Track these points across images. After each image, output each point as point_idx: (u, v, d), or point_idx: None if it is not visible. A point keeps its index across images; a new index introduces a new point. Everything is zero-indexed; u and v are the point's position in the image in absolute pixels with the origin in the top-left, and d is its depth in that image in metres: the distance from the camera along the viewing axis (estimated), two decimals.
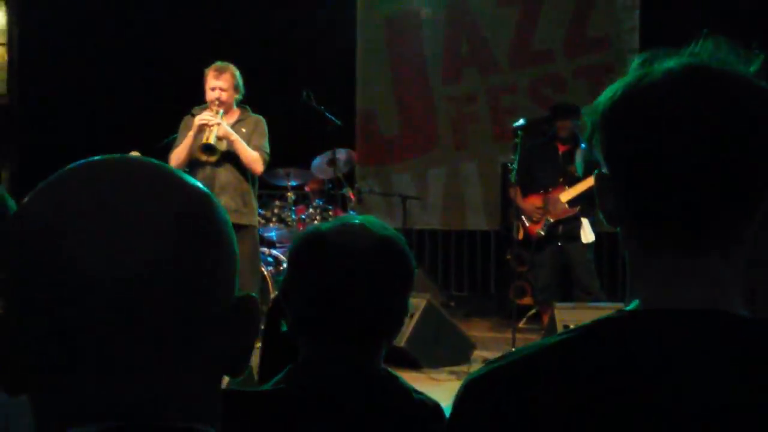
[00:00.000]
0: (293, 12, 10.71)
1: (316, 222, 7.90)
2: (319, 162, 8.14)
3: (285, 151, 7.00)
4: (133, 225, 0.81)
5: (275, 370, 1.63)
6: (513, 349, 1.09)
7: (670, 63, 1.07)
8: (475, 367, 6.63)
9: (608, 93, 1.09)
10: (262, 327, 2.07)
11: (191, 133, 6.12)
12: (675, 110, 1.01)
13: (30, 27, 11.78)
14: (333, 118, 7.34)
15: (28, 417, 0.84)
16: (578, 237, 7.09)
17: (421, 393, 1.64)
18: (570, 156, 7.19)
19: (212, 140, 6.06)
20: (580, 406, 0.97)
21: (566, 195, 7.07)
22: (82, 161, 0.88)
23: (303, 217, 7.87)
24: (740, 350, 0.98)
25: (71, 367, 0.81)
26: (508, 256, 8.71)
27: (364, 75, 10.94)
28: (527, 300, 8.63)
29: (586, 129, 1.12)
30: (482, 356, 6.94)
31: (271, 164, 6.74)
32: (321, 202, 8.10)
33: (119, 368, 0.81)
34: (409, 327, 6.56)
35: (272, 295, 6.86)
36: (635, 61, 1.11)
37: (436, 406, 1.62)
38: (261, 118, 6.36)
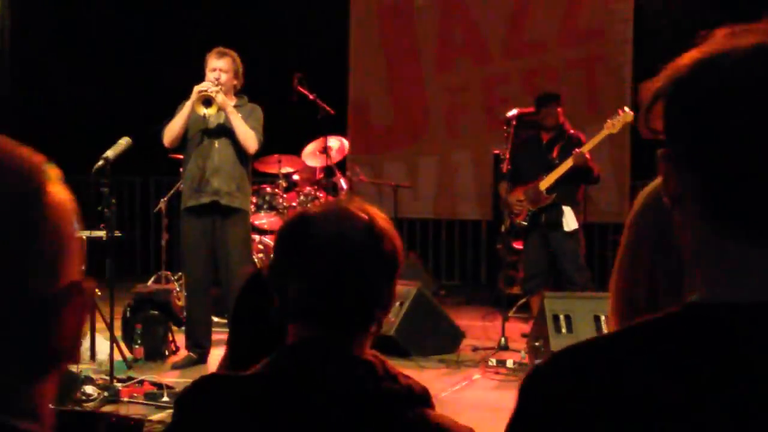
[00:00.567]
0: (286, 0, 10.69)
1: None
2: (310, 150, 8.13)
3: (276, 139, 6.99)
4: None
5: (255, 352, 1.63)
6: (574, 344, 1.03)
7: (754, 39, 0.98)
8: (464, 355, 6.66)
9: (679, 67, 1.01)
10: (233, 310, 2.07)
11: (188, 103, 6.11)
12: (761, 88, 0.94)
13: (23, 18, 11.71)
14: (325, 106, 7.33)
15: None
16: (561, 225, 7.10)
17: (409, 377, 1.64)
18: (552, 144, 7.20)
19: (212, 94, 6.05)
20: (656, 401, 0.93)
21: (545, 182, 7.10)
22: None
23: (294, 204, 7.86)
24: None
25: None
26: (499, 246, 8.72)
27: (356, 64, 10.93)
28: (517, 289, 8.64)
29: (647, 100, 1.03)
30: (471, 345, 6.96)
31: (262, 152, 6.72)
32: (312, 190, 8.09)
33: None
34: (398, 315, 6.57)
35: None
36: (715, 35, 1.01)
37: (424, 390, 1.62)
38: (257, 106, 6.37)
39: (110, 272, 5.63)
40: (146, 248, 10.93)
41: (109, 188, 5.60)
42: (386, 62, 10.85)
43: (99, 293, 6.18)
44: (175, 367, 6.24)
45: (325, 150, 7.81)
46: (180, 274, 7.96)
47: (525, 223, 7.21)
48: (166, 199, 8.43)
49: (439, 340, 6.85)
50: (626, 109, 6.93)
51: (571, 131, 7.26)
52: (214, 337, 6.42)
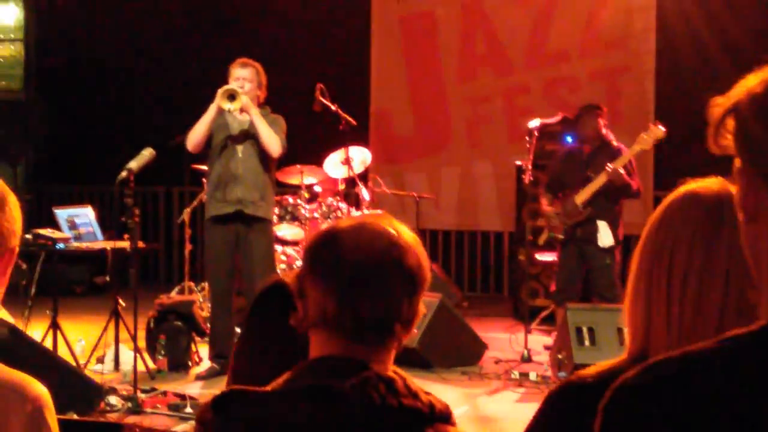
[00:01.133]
0: (308, 11, 10.73)
1: (329, 220, 7.90)
2: (332, 160, 8.15)
3: (299, 150, 7.02)
4: None
5: (276, 365, 1.64)
6: (659, 359, 1.00)
7: None
8: (486, 367, 6.64)
9: (750, 84, 1.00)
10: (246, 321, 2.08)
11: (212, 106, 6.13)
12: None
13: (45, 23, 11.84)
14: (347, 117, 7.34)
15: None
16: (596, 240, 6.93)
17: (430, 394, 1.64)
18: (593, 157, 7.00)
19: (236, 90, 6.08)
20: (744, 420, 0.91)
21: (580, 197, 6.94)
22: None
23: (316, 215, 7.88)
24: None
25: None
26: (521, 257, 8.69)
27: (378, 74, 10.95)
28: (540, 301, 8.61)
29: (712, 119, 1.03)
30: (494, 357, 6.94)
31: (284, 162, 6.72)
32: (334, 201, 8.10)
33: None
34: (421, 327, 6.55)
35: None
36: None
37: (445, 407, 1.62)
38: (280, 116, 6.39)
39: (134, 283, 5.67)
40: (170, 259, 10.98)
41: (132, 199, 5.63)
42: (408, 73, 10.86)
43: (123, 304, 6.22)
44: (199, 378, 6.26)
45: (346, 161, 7.81)
46: (203, 284, 8.00)
47: (561, 236, 7.05)
48: (189, 209, 8.47)
49: (461, 352, 6.84)
50: (658, 125, 6.78)
51: (614, 144, 7.02)
52: None
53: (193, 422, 4.82)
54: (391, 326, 1.61)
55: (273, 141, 6.17)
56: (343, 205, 8.05)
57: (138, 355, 5.83)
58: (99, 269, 9.65)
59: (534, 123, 7.12)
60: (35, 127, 11.87)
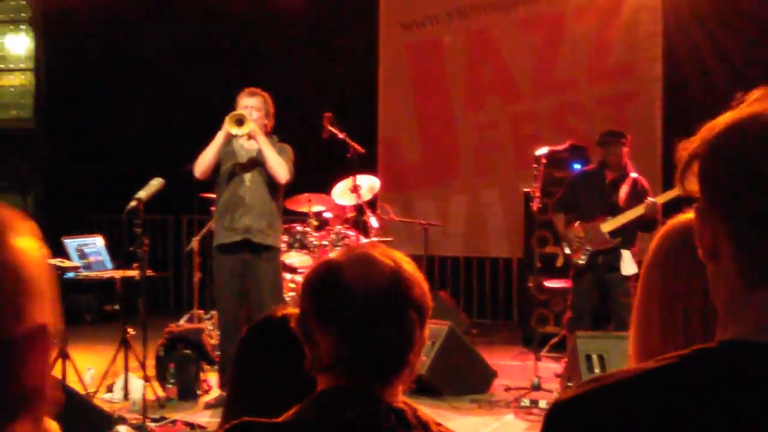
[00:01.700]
0: (316, 40, 10.80)
1: (337, 248, 7.90)
2: (340, 188, 8.16)
3: (307, 178, 7.03)
4: None
5: (277, 401, 1.63)
6: (599, 374, 1.07)
7: None
8: (496, 395, 6.61)
9: (715, 126, 1.06)
10: (236, 355, 2.05)
11: (220, 133, 6.15)
12: None
13: (56, 53, 11.93)
14: (355, 145, 7.37)
15: None
16: (618, 268, 6.85)
17: (441, 425, 1.63)
18: (616, 184, 6.93)
19: (244, 115, 6.11)
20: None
21: (608, 225, 6.83)
22: None
23: (324, 243, 7.88)
24: None
25: None
26: (530, 284, 8.67)
27: (386, 102, 10.99)
28: (550, 328, 8.58)
29: (683, 159, 1.09)
30: (503, 384, 6.91)
31: (293, 190, 6.73)
32: (342, 229, 8.10)
33: None
34: (430, 355, 6.54)
35: None
36: (750, 97, 1.07)
37: None
38: (287, 145, 6.41)
39: (143, 311, 5.67)
40: (179, 287, 10.98)
41: (141, 228, 5.65)
42: (415, 100, 10.90)
43: (132, 332, 6.23)
44: (208, 406, 6.25)
45: (355, 189, 7.82)
46: (212, 312, 8.00)
47: (582, 262, 6.92)
48: (198, 237, 8.48)
49: (471, 380, 6.81)
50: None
51: (633, 174, 6.97)
52: None
53: None
54: (399, 357, 1.61)
55: (280, 168, 6.18)
56: (351, 233, 8.05)
57: (147, 383, 5.83)
58: (108, 298, 9.66)
59: (542, 151, 7.12)
60: (45, 156, 11.93)
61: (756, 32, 9.24)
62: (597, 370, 5.98)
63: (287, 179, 6.25)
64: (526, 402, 6.40)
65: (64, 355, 6.21)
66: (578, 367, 6.01)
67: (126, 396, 6.29)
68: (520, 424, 6.04)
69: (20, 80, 12.37)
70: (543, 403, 6.30)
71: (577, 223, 6.98)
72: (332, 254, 1.68)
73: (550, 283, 8.25)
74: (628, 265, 6.83)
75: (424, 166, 10.80)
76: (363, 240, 7.99)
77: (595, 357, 6.02)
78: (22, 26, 12.34)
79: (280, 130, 6.52)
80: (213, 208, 6.75)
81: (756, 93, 1.07)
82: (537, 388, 6.69)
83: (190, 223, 10.52)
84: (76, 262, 6.56)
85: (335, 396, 1.59)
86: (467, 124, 10.66)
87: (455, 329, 6.95)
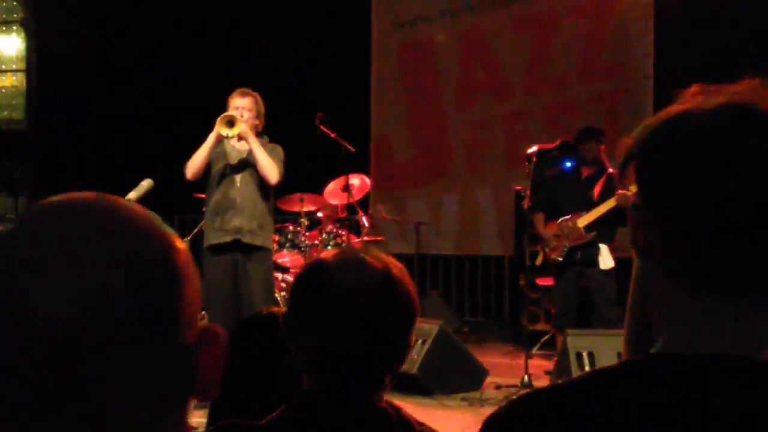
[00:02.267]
0: (307, 38, 10.79)
1: (329, 247, 7.91)
2: (332, 188, 8.17)
3: (298, 177, 7.04)
4: (85, 266, 0.83)
5: (265, 400, 1.65)
6: (532, 388, 1.07)
7: (718, 99, 1.02)
8: (487, 393, 6.63)
9: (649, 125, 1.05)
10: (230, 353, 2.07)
11: (212, 134, 6.16)
12: (722, 148, 0.98)
13: (48, 54, 11.92)
14: (346, 144, 7.37)
15: None
16: (597, 263, 7.00)
17: (423, 424, 1.64)
18: (592, 180, 7.10)
19: (235, 116, 6.11)
20: None
21: (583, 220, 6.99)
22: (46, 201, 0.92)
23: (316, 243, 7.89)
24: (760, 400, 0.95)
25: (37, 409, 0.82)
26: (521, 282, 8.69)
27: (378, 101, 11.00)
28: (540, 326, 8.60)
29: (621, 158, 1.08)
30: (494, 383, 6.92)
31: (284, 190, 6.72)
32: (334, 228, 8.11)
33: (75, 410, 0.83)
34: (421, 353, 6.55)
35: None
36: (683, 96, 1.06)
37: None
38: (278, 145, 6.41)
39: None
40: None
41: None
42: (407, 99, 10.91)
43: None
44: (199, 406, 6.24)
45: (346, 188, 7.84)
46: (203, 313, 8.00)
47: (560, 259, 7.08)
48: (189, 238, 8.48)
49: (461, 378, 6.82)
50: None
51: (611, 170, 7.11)
52: None
53: None
54: (383, 359, 1.62)
55: (271, 169, 6.19)
56: (343, 232, 8.06)
57: None
58: None
59: (532, 149, 7.15)
60: (37, 156, 11.92)
61: (747, 29, 9.27)
62: (587, 368, 6.01)
63: (278, 180, 6.25)
64: None
65: None
66: (568, 365, 6.03)
67: None
68: None
69: (12, 81, 12.35)
70: None
71: (554, 221, 7.09)
72: (324, 254, 1.69)
73: (542, 281, 8.27)
74: (606, 260, 6.98)
75: (416, 164, 10.81)
76: (355, 239, 8.00)
77: (585, 354, 6.05)
78: (13, 27, 12.33)
79: (272, 131, 6.52)
80: (204, 209, 6.74)
81: (693, 88, 1.06)
82: (528, 385, 6.71)
83: (182, 223, 10.51)
84: None
85: (317, 397, 1.60)
86: (459, 123, 10.67)
87: (446, 328, 6.96)
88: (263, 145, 6.29)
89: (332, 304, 1.59)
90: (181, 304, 0.89)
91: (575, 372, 5.97)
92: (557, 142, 8.03)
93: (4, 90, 12.41)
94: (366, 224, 8.15)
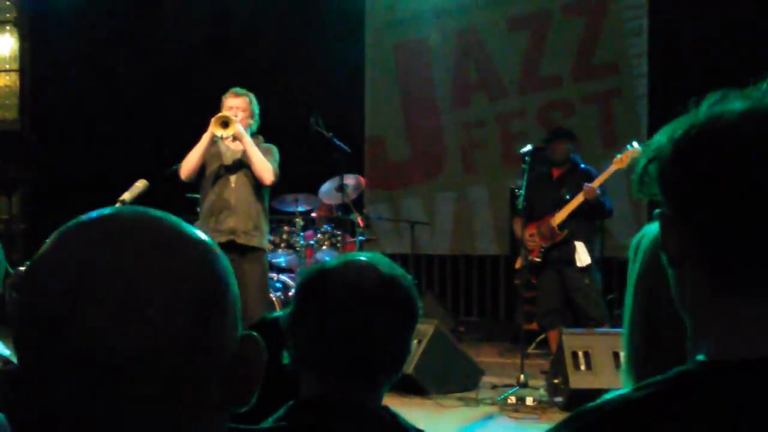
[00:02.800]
0: (302, 39, 10.78)
1: (324, 248, 7.91)
2: (327, 188, 8.17)
3: (293, 177, 7.03)
4: (147, 293, 0.83)
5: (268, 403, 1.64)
6: (589, 404, 1.04)
7: (745, 103, 1.01)
8: (482, 393, 6.62)
9: (675, 131, 1.04)
10: None
11: (206, 134, 6.14)
12: (760, 150, 0.97)
13: (41, 53, 11.89)
14: (341, 144, 7.37)
15: None
16: (573, 261, 7.12)
17: (420, 430, 1.64)
18: (563, 180, 7.28)
19: (229, 117, 6.09)
20: None
21: (556, 218, 7.16)
22: (94, 215, 0.89)
23: (311, 242, 7.88)
24: None
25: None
26: (517, 281, 8.69)
27: (372, 100, 10.99)
28: (535, 325, 8.60)
29: (637, 166, 1.08)
30: (490, 382, 6.93)
31: (279, 190, 6.71)
32: (329, 228, 8.11)
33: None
34: (416, 353, 6.54)
35: None
36: (706, 101, 1.05)
37: None
38: (273, 145, 6.40)
39: None
40: None
41: None
42: (402, 99, 10.90)
43: None
44: None
45: (341, 188, 7.83)
46: None
47: (538, 260, 7.25)
48: None
49: (457, 378, 6.82)
50: (635, 144, 6.96)
51: (582, 166, 7.31)
52: None
53: None
54: (382, 364, 1.62)
55: (265, 169, 6.17)
56: (338, 232, 8.05)
57: None
58: None
59: (526, 148, 7.16)
60: (30, 157, 11.89)
61: (741, 28, 9.27)
62: (583, 368, 6.01)
63: (272, 181, 6.24)
64: (512, 399, 6.40)
65: None
66: (564, 364, 6.03)
67: None
68: (507, 421, 6.05)
69: (5, 81, 12.32)
70: (529, 401, 6.31)
71: (533, 223, 7.26)
72: (327, 258, 1.69)
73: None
74: (582, 257, 7.12)
75: (411, 164, 10.80)
76: (349, 239, 8.00)
77: (581, 353, 6.05)
78: (6, 27, 12.30)
79: (266, 131, 6.51)
80: (198, 209, 6.73)
81: (713, 96, 1.05)
82: (524, 385, 6.71)
83: None
84: None
85: (314, 404, 1.59)
86: (454, 122, 10.66)
87: (441, 328, 6.96)
88: (258, 146, 6.28)
89: (331, 305, 1.59)
90: (228, 313, 0.89)
91: (571, 371, 5.97)
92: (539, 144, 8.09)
93: None
94: (360, 224, 8.14)
